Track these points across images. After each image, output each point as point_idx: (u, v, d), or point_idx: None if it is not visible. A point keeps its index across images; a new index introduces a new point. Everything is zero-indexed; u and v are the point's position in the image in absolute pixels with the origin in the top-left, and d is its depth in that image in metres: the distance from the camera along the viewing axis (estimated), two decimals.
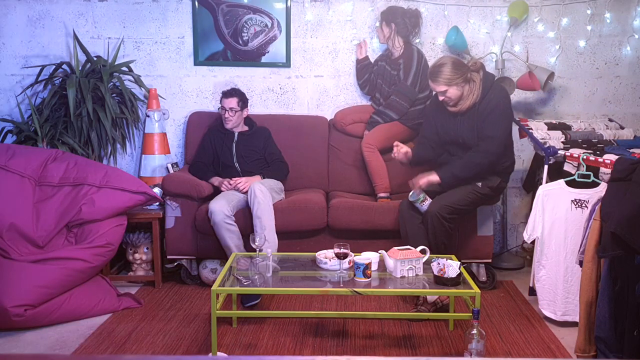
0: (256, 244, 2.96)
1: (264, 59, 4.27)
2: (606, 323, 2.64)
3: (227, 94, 3.82)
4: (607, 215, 2.64)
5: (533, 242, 3.38)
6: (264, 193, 3.49)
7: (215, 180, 3.73)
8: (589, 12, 4.18)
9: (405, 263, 2.86)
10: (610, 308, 2.63)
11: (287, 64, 4.27)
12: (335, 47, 4.27)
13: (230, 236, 3.47)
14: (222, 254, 3.57)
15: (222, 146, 3.86)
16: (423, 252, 2.95)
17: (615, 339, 2.63)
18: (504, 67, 4.18)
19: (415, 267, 2.88)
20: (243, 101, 3.85)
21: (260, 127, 3.97)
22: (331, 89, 4.31)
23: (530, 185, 4.14)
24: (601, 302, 2.67)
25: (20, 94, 4.14)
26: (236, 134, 3.88)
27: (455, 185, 3.39)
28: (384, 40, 4.00)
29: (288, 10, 4.21)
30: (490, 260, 3.71)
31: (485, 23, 4.22)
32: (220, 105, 3.85)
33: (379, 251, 3.00)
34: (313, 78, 4.31)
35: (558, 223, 3.16)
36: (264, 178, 3.74)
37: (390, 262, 2.89)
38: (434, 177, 3.36)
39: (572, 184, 3.17)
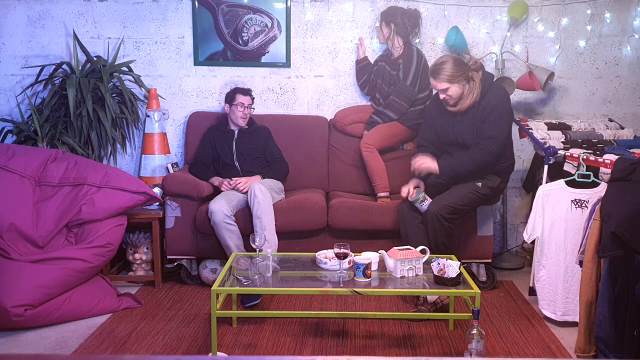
0: (256, 244, 2.96)
1: (264, 59, 4.27)
2: (606, 323, 2.64)
3: (244, 92, 3.88)
4: (607, 216, 2.64)
5: (533, 242, 3.38)
6: (263, 193, 3.49)
7: (215, 180, 3.74)
8: (589, 12, 4.18)
9: (405, 263, 2.86)
10: (610, 308, 2.63)
11: (287, 64, 4.27)
12: (335, 47, 4.27)
13: (230, 236, 3.47)
14: (222, 254, 3.57)
15: (222, 145, 3.87)
16: (423, 252, 2.95)
17: (615, 339, 2.63)
18: (504, 67, 4.18)
19: (415, 267, 2.88)
20: (253, 99, 3.93)
21: (260, 125, 3.98)
22: (331, 89, 4.31)
23: (530, 185, 4.14)
24: (601, 302, 2.67)
25: (20, 94, 4.14)
26: (236, 132, 3.88)
27: (451, 178, 3.39)
28: (384, 41, 4.00)
29: (288, 10, 4.21)
30: (490, 260, 3.71)
31: (485, 23, 4.23)
32: (234, 103, 3.83)
33: (379, 251, 3.00)
34: (313, 78, 4.31)
35: (558, 223, 3.16)
36: (264, 178, 3.75)
37: (390, 262, 2.89)
38: (433, 165, 3.36)
39: (572, 184, 3.17)
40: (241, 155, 3.85)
